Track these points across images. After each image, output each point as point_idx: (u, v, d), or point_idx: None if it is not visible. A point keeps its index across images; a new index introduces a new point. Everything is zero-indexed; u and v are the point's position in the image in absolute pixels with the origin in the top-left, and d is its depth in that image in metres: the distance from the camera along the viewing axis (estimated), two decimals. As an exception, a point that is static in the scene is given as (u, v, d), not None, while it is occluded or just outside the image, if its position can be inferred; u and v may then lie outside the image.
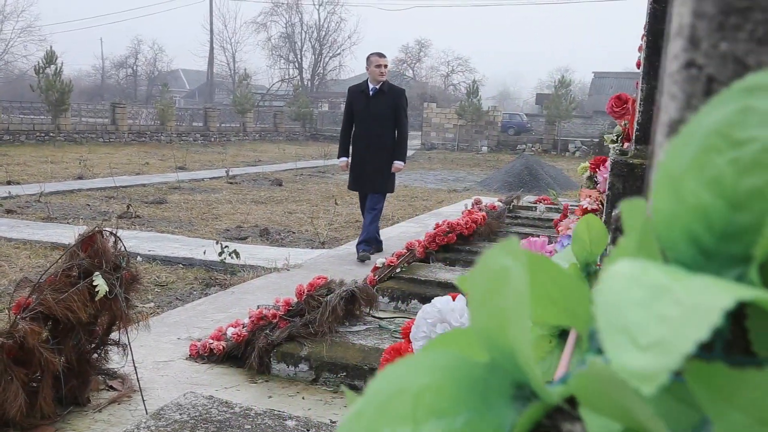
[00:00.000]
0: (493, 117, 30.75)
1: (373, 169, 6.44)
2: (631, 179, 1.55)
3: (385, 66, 6.46)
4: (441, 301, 1.53)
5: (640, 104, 1.58)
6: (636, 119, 1.58)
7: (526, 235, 5.94)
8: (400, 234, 8.08)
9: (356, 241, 6.78)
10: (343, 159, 6.62)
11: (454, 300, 1.59)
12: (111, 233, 2.87)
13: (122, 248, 2.92)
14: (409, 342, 2.03)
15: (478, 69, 59.46)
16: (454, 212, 10.30)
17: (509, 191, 15.00)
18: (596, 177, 5.81)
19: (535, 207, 9.59)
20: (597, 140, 28.52)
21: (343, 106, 6.76)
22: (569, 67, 64.15)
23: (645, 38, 1.56)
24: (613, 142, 4.52)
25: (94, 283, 2.67)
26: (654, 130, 0.36)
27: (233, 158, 21.08)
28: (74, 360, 2.87)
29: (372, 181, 6.50)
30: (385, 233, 8.18)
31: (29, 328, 2.54)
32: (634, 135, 1.58)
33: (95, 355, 3.13)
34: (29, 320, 2.63)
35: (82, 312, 2.67)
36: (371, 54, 6.54)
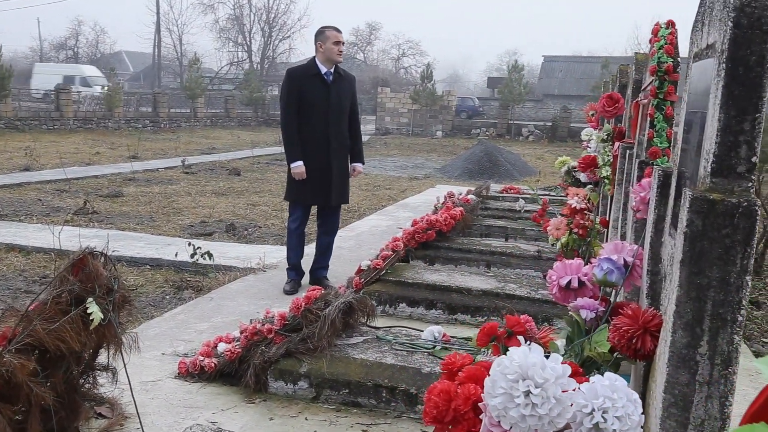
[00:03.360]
0: (448, 101, 30.74)
1: (339, 175, 5.21)
2: (711, 216, 1.45)
3: (343, 44, 5.24)
4: (519, 354, 1.41)
5: (717, 135, 1.48)
6: (712, 150, 1.48)
7: (502, 228, 5.85)
8: (372, 228, 7.94)
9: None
10: (300, 163, 5.07)
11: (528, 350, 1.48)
12: (101, 253, 2.66)
13: (113, 268, 2.72)
14: (453, 380, 1.91)
15: (428, 52, 59.42)
16: (421, 202, 10.22)
17: (470, 178, 15.01)
18: (577, 173, 5.77)
19: (503, 197, 9.55)
20: (550, 124, 28.82)
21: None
22: (517, 50, 64.68)
23: (723, 65, 1.45)
24: (603, 141, 4.48)
25: (89, 311, 2.46)
26: None
27: (186, 146, 20.55)
28: (63, 390, 2.67)
29: (339, 190, 5.23)
30: (356, 227, 8.04)
31: (18, 363, 2.33)
32: (710, 167, 1.48)
33: (81, 381, 2.93)
34: (16, 353, 2.41)
35: (75, 342, 2.47)
36: (326, 28, 5.17)
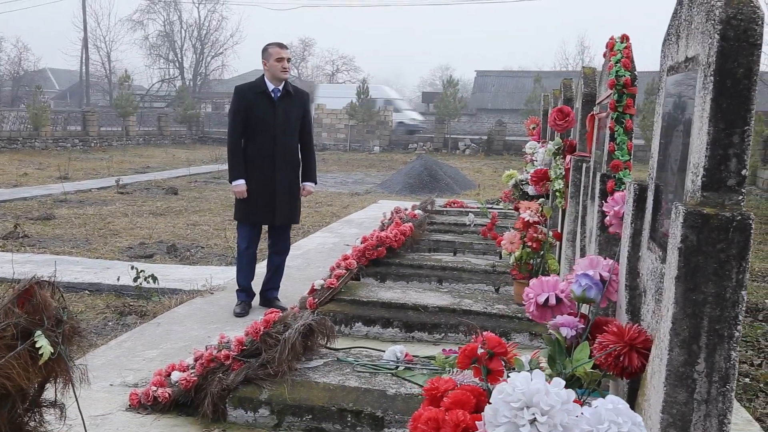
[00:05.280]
0: (384, 117, 30.85)
1: (286, 193, 5.08)
2: (706, 231, 1.43)
3: (289, 60, 5.14)
4: (521, 381, 1.35)
5: (706, 148, 1.46)
6: (701, 164, 1.46)
7: (449, 243, 5.85)
8: (319, 246, 7.82)
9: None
10: (241, 182, 5.00)
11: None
12: (48, 282, 2.48)
13: (61, 298, 2.54)
14: (440, 406, 1.84)
15: (362, 68, 59.69)
16: (366, 218, 10.16)
17: (411, 193, 15.04)
18: (525, 186, 5.81)
19: (447, 211, 9.57)
20: (485, 138, 29.25)
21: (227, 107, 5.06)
22: (450, 65, 65.67)
23: (711, 78, 1.44)
24: (555, 154, 4.51)
25: (37, 345, 2.29)
26: None
27: (119, 165, 19.92)
28: (7, 431, 2.47)
29: (286, 209, 5.10)
30: (303, 245, 7.91)
31: (-40, 405, 2.14)
32: (699, 181, 1.46)
33: (26, 419, 2.73)
34: (-44, 393, 2.22)
35: (23, 379, 2.29)
36: (270, 45, 5.13)
